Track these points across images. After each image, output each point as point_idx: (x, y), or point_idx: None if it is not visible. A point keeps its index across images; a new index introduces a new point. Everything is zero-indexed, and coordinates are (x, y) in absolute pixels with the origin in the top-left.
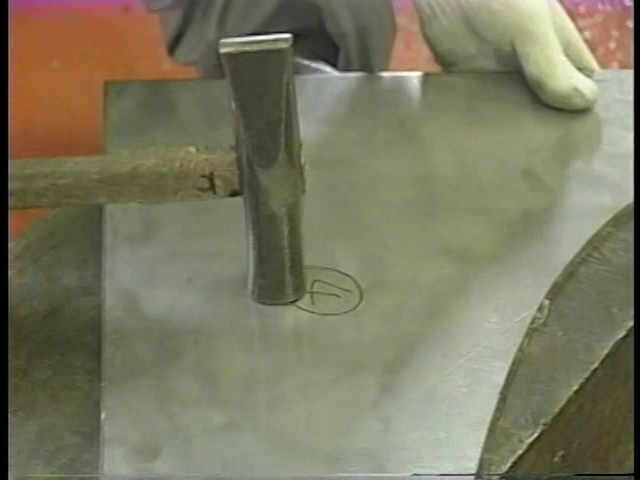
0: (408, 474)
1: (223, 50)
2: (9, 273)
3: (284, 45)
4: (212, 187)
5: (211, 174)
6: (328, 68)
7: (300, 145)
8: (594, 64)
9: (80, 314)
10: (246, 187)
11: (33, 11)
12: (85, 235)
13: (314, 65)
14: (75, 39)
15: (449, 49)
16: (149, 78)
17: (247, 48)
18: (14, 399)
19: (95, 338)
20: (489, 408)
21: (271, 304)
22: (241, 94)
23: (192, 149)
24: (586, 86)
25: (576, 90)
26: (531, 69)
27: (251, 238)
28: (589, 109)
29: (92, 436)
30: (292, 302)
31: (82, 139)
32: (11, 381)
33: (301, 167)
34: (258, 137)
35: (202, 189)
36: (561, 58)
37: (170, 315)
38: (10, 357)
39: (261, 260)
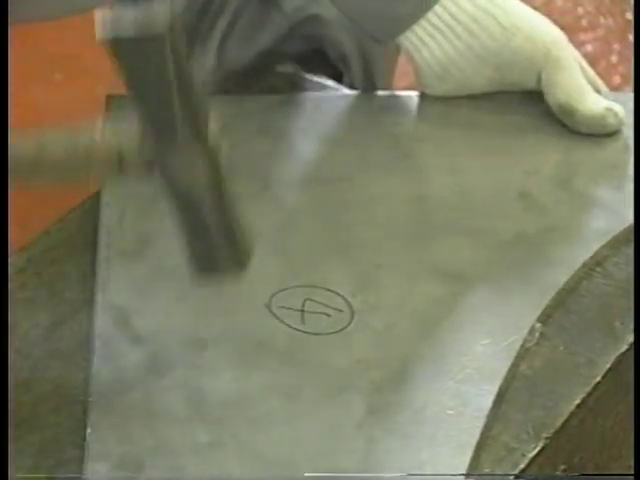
0: (404, 474)
1: (102, 32)
2: (11, 286)
3: (160, 29)
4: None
5: (119, 154)
6: (331, 82)
7: (206, 124)
8: (604, 88)
9: (82, 327)
10: (156, 168)
11: (35, 24)
12: (87, 248)
13: (316, 79)
14: (78, 52)
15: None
16: None
17: (124, 34)
18: (16, 413)
19: None
20: (475, 431)
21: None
22: (126, 77)
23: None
24: (616, 106)
25: (609, 110)
26: (560, 96)
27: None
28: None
29: None
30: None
31: None
32: (13, 394)
33: (210, 147)
34: (153, 118)
35: (111, 167)
36: (584, 82)
37: (160, 331)
38: (12, 371)
39: (189, 238)
